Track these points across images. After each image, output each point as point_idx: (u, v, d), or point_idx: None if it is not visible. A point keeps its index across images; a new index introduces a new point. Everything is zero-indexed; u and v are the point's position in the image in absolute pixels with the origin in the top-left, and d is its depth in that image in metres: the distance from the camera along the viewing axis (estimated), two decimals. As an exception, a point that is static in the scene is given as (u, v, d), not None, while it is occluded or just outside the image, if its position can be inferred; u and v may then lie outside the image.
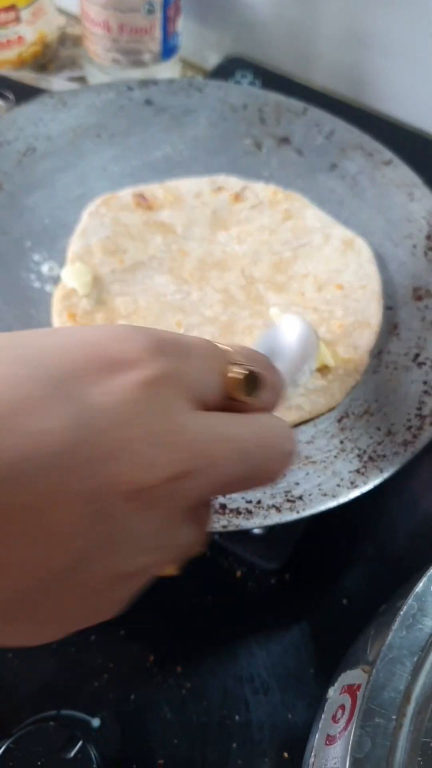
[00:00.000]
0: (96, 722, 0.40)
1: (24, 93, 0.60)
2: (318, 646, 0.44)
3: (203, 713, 0.41)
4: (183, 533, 0.24)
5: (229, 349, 0.26)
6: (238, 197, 0.55)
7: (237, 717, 0.41)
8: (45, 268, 0.51)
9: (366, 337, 0.49)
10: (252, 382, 0.26)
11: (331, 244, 0.53)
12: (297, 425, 0.45)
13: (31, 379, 0.20)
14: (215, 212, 0.54)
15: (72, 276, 0.49)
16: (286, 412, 0.45)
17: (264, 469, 0.25)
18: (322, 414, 0.46)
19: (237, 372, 0.25)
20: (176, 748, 0.40)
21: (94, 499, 0.20)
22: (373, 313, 0.50)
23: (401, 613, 0.28)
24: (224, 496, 0.39)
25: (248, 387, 0.26)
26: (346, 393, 0.46)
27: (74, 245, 0.51)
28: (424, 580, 0.29)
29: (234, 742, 0.40)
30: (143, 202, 0.53)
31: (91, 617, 0.23)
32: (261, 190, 0.56)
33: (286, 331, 0.42)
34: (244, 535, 0.45)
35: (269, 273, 0.52)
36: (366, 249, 0.53)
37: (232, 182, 0.57)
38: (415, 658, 0.27)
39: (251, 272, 0.52)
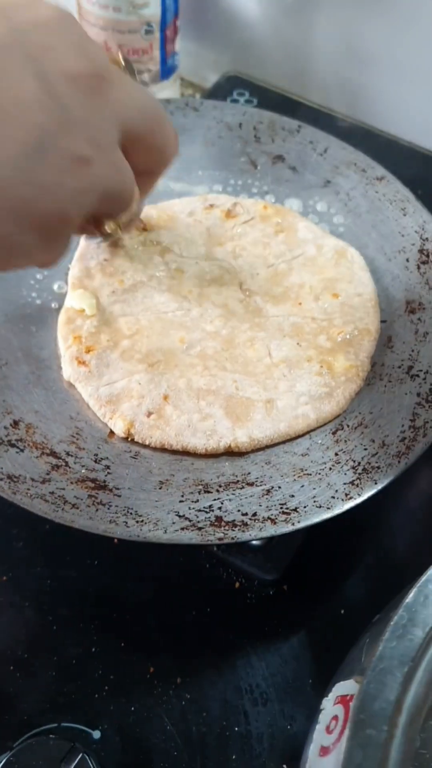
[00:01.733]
0: (97, 734, 0.41)
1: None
2: (316, 656, 0.44)
3: (203, 724, 0.41)
4: (117, 158, 0.33)
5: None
6: (230, 213, 0.56)
7: (236, 728, 0.41)
8: (55, 286, 0.53)
9: (366, 344, 0.49)
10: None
11: (324, 255, 0.54)
12: (299, 437, 0.46)
13: None
14: (209, 229, 0.55)
15: (76, 300, 0.50)
16: (294, 422, 0.45)
17: (159, 133, 0.35)
18: (330, 422, 0.46)
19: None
20: (176, 759, 0.40)
21: (42, 77, 0.27)
22: (371, 320, 0.51)
23: (391, 623, 0.28)
24: (220, 508, 0.40)
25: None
26: (350, 399, 0.47)
27: (74, 269, 0.52)
28: (414, 590, 0.29)
29: (233, 754, 0.41)
30: (139, 224, 0.54)
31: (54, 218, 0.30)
32: (251, 205, 0.57)
33: None
34: (243, 546, 0.45)
35: (266, 285, 0.53)
36: (358, 257, 0.54)
37: (223, 199, 0.58)
38: (406, 669, 0.27)
39: (249, 286, 0.53)
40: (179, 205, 0.57)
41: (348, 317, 0.50)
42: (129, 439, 0.45)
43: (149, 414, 0.45)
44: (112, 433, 0.45)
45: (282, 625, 0.45)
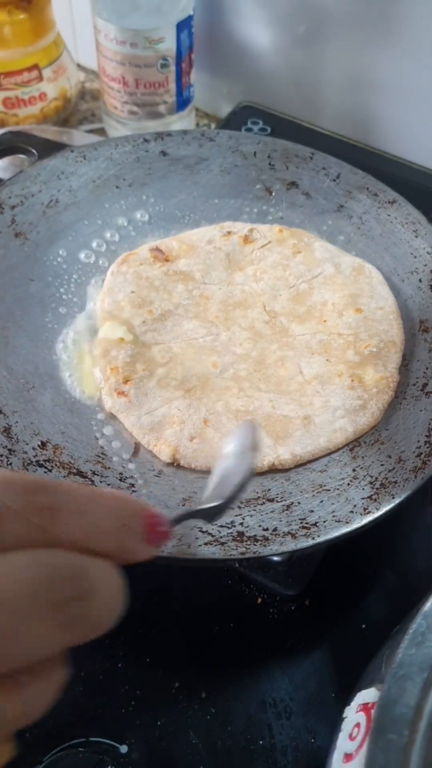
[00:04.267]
0: (124, 749, 0.41)
1: (46, 148, 0.63)
2: (338, 670, 0.45)
3: (228, 738, 0.42)
4: None
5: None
6: (247, 239, 0.58)
7: (261, 741, 0.42)
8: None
9: (393, 355, 0.51)
10: None
11: (343, 272, 0.56)
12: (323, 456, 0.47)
13: None
14: (229, 255, 0.57)
15: (110, 331, 0.52)
16: (333, 435, 0.47)
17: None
18: (366, 433, 0.47)
19: None
20: (202, 773, 0.41)
21: None
22: (395, 332, 0.52)
23: (410, 631, 0.29)
24: (241, 524, 0.41)
25: None
26: (384, 410, 0.48)
27: (103, 303, 0.54)
28: (431, 599, 0.30)
29: (258, 767, 0.41)
30: (160, 255, 0.56)
31: None
32: (267, 230, 0.59)
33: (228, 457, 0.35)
34: (264, 562, 0.46)
35: (289, 306, 0.54)
36: (376, 272, 0.56)
37: (239, 226, 0.60)
38: (425, 675, 0.28)
39: (272, 307, 0.54)
40: (197, 234, 0.59)
41: (372, 330, 0.52)
42: (174, 465, 0.46)
43: (192, 438, 0.46)
44: (135, 452, 0.46)
45: (304, 639, 0.46)
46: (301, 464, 0.46)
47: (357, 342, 0.52)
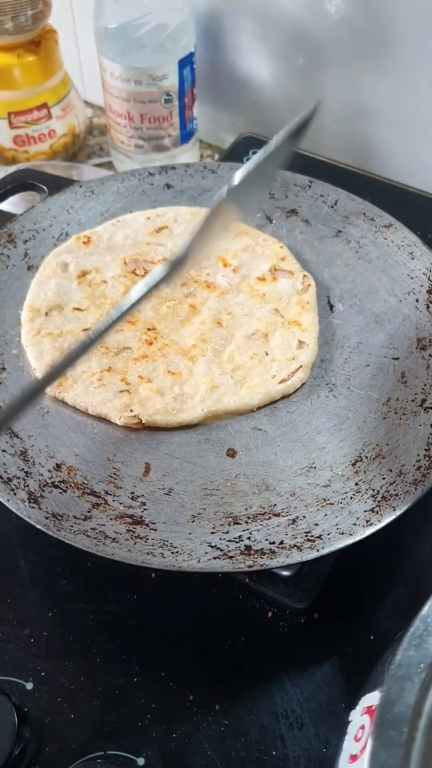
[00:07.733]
0: (141, 761, 0.42)
1: (55, 184, 0.66)
2: (347, 680, 0.46)
3: (241, 749, 0.43)
4: None
5: None
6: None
7: (274, 752, 0.43)
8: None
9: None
10: None
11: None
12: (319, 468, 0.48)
13: None
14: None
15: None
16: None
17: None
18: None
19: None
20: (217, 783, 0.42)
21: None
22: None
23: (408, 634, 0.31)
24: (249, 538, 0.43)
25: None
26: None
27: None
28: (429, 603, 0.32)
29: (272, 777, 0.42)
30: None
31: None
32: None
33: None
34: (274, 577, 0.48)
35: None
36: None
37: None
38: (423, 675, 0.30)
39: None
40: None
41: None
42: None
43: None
44: (146, 472, 0.48)
45: (314, 651, 0.47)
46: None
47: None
